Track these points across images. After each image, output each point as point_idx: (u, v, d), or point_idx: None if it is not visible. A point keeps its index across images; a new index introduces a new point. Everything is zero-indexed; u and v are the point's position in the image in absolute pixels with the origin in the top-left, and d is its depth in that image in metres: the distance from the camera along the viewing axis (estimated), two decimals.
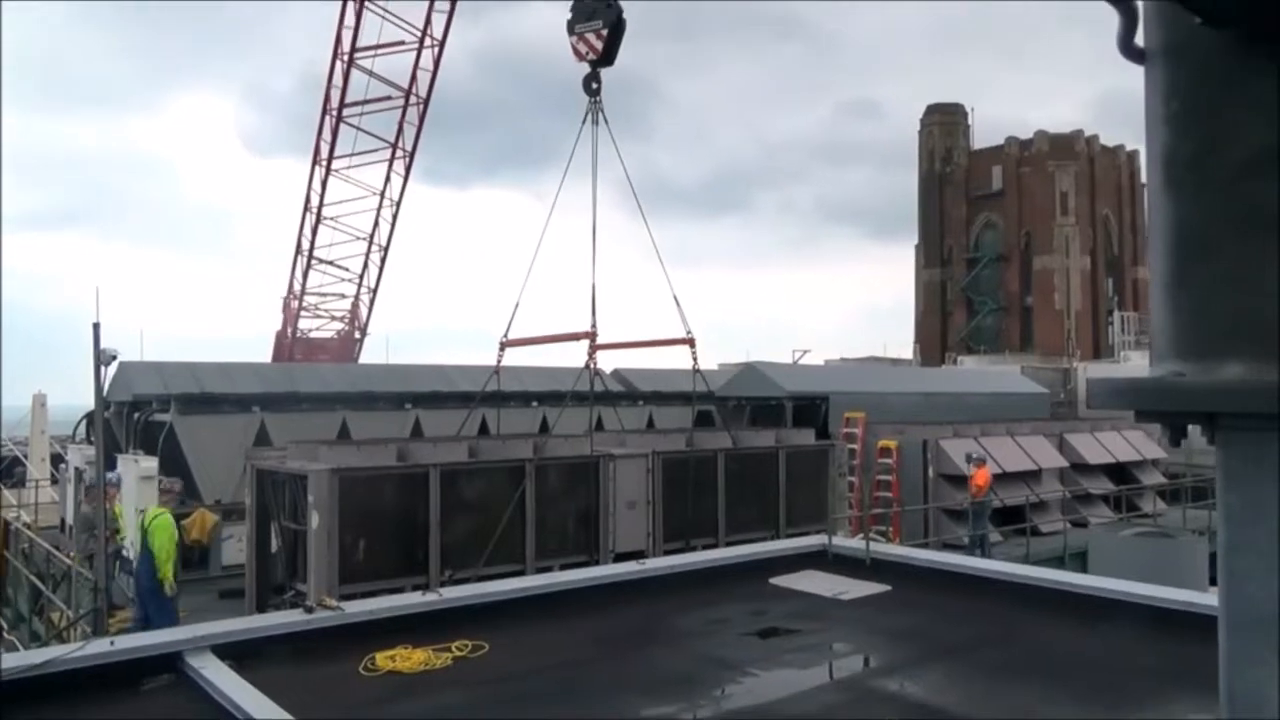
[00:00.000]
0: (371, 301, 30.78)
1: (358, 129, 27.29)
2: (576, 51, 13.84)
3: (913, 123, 71.38)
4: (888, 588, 8.78)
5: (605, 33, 13.55)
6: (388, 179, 28.28)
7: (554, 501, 12.91)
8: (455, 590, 8.42)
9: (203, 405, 18.15)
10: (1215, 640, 1.56)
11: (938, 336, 65.26)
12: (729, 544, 13.15)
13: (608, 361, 19.29)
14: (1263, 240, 1.43)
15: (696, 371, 15.41)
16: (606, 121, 14.24)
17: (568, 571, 10.51)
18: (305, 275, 29.66)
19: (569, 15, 13.82)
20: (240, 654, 6.35)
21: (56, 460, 23.38)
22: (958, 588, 8.75)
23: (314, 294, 30.35)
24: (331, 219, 28.73)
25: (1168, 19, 1.57)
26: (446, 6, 25.64)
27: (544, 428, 19.46)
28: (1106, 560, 13.55)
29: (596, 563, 12.41)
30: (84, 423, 20.66)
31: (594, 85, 14.11)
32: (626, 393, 23.74)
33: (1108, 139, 64.61)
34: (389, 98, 27.04)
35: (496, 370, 15.35)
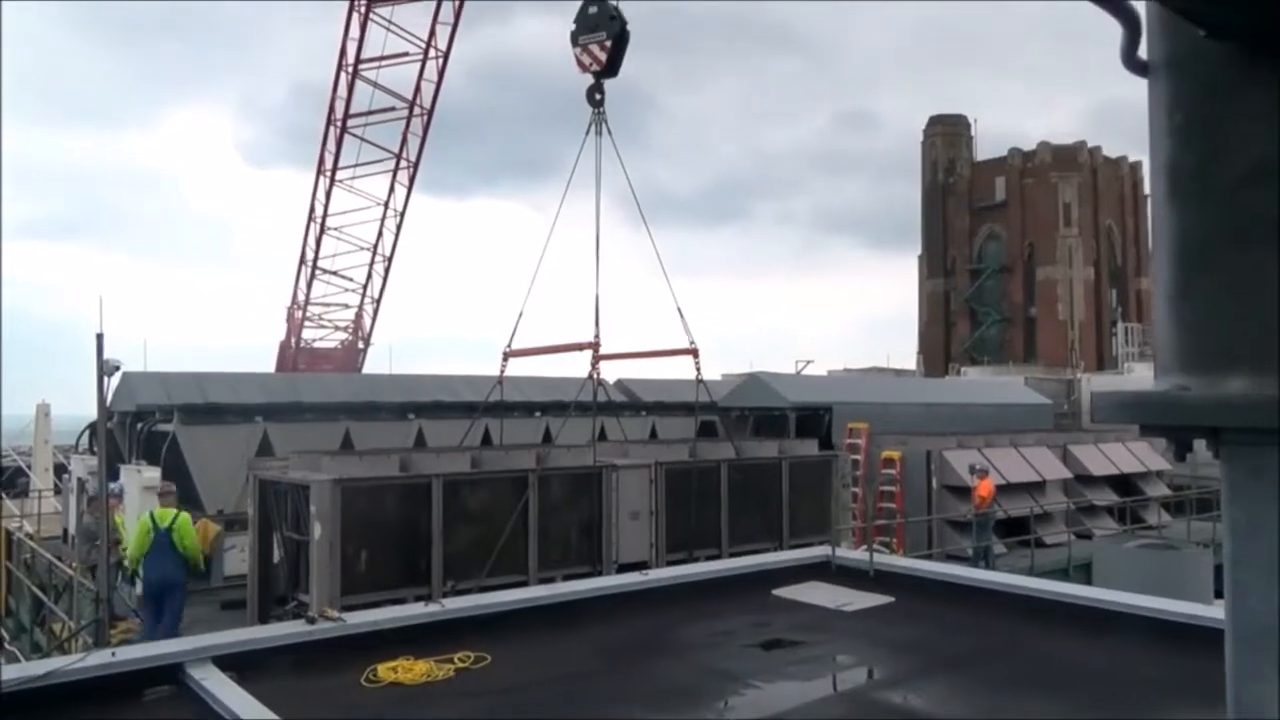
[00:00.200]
0: (375, 311, 30.86)
1: (362, 139, 27.40)
2: (580, 63, 13.90)
3: (908, 134, 71.68)
4: (891, 599, 8.74)
5: (609, 44, 13.60)
6: (391, 189, 28.39)
7: (557, 512, 12.89)
8: (458, 601, 8.40)
9: (206, 415, 18.16)
10: (1221, 653, 1.55)
11: (941, 347, 65.23)
12: (732, 555, 13.12)
13: (611, 372, 19.30)
14: (1267, 252, 1.43)
15: (700, 382, 15.41)
16: (610, 132, 14.29)
17: (571, 582, 10.49)
18: (309, 285, 29.73)
19: (573, 27, 13.88)
20: (242, 665, 6.33)
21: (59, 470, 23.39)
22: (962, 599, 8.71)
23: (318, 304, 30.42)
24: (335, 229, 28.82)
25: (1171, 31, 1.57)
26: (450, 18, 25.78)
27: (547, 438, 19.44)
28: (1111, 572, 13.51)
29: (599, 573, 12.38)
30: (87, 433, 20.67)
31: (597, 96, 14.16)
32: (629, 403, 23.73)
33: (1104, 150, 64.70)
34: (393, 109, 27.15)
35: (500, 380, 15.36)
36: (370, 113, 27.12)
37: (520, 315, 15.03)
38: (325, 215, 28.38)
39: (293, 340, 30.60)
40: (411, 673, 6.45)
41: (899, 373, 51.03)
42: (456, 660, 6.69)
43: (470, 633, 7.29)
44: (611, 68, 13.83)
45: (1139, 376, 36.31)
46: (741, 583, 9.39)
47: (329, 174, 27.75)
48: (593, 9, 13.65)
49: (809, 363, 38.07)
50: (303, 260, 29.51)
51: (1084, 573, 16.44)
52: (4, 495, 22.44)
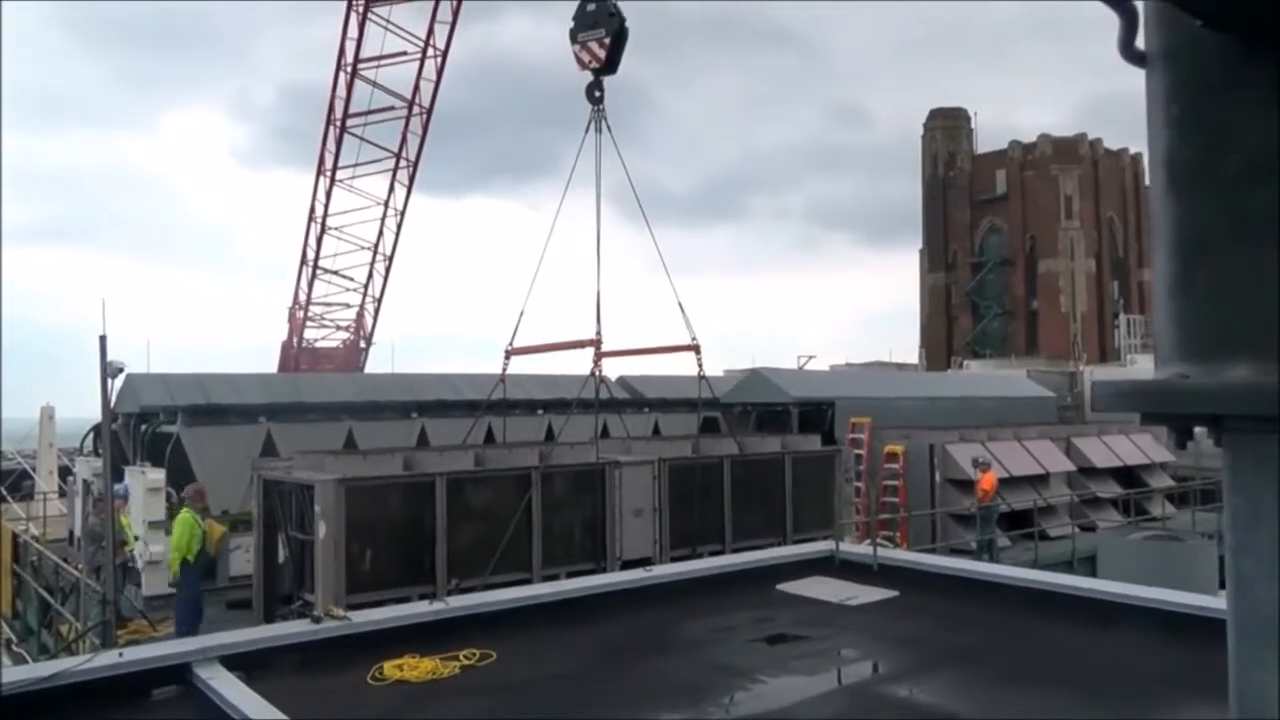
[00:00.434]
0: (376, 310, 30.89)
1: (361, 139, 27.40)
2: (579, 60, 13.89)
3: (901, 128, 71.74)
4: (895, 593, 8.75)
5: (608, 41, 13.59)
6: (391, 189, 28.40)
7: (560, 509, 12.91)
8: (462, 599, 8.41)
9: (209, 416, 18.19)
10: (1225, 644, 1.55)
11: (943, 341, 65.19)
12: (735, 550, 13.12)
13: (613, 369, 19.34)
14: (1266, 243, 1.43)
15: (702, 378, 15.41)
16: (610, 129, 14.29)
17: (575, 579, 10.50)
18: (310, 285, 29.76)
19: (571, 24, 13.87)
20: (248, 664, 6.35)
21: (64, 473, 23.44)
22: (966, 593, 8.72)
23: (319, 304, 30.45)
24: (336, 229, 28.84)
25: (1168, 22, 1.57)
26: (449, 18, 25.76)
27: (550, 436, 19.45)
28: (1115, 564, 13.53)
29: (603, 570, 12.40)
30: (91, 435, 20.71)
31: (597, 94, 14.15)
32: (632, 400, 23.73)
33: (1104, 143, 64.58)
34: (392, 108, 27.15)
35: (502, 378, 15.37)
36: (369, 112, 27.13)
37: (522, 313, 15.06)
38: (326, 215, 28.41)
39: (295, 340, 30.64)
40: (417, 670, 6.47)
41: (901, 367, 51.01)
42: (462, 658, 6.71)
43: (475, 630, 7.31)
44: (611, 65, 13.82)
45: (1142, 368, 36.26)
46: (745, 578, 9.40)
47: (329, 174, 27.76)
48: (591, 6, 13.64)
49: (811, 358, 38.12)
50: (304, 260, 29.56)
51: (1088, 565, 16.44)
52: (10, 498, 22.48)
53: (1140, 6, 1.61)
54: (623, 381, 24.38)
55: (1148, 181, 1.71)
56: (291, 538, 11.81)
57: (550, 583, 10.68)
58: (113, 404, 11.20)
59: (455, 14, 25.71)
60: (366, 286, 30.16)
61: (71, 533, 18.86)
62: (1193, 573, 12.35)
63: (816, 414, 23.01)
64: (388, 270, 29.96)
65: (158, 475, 15.79)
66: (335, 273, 29.81)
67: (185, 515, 11.46)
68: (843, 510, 16.40)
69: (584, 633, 7.78)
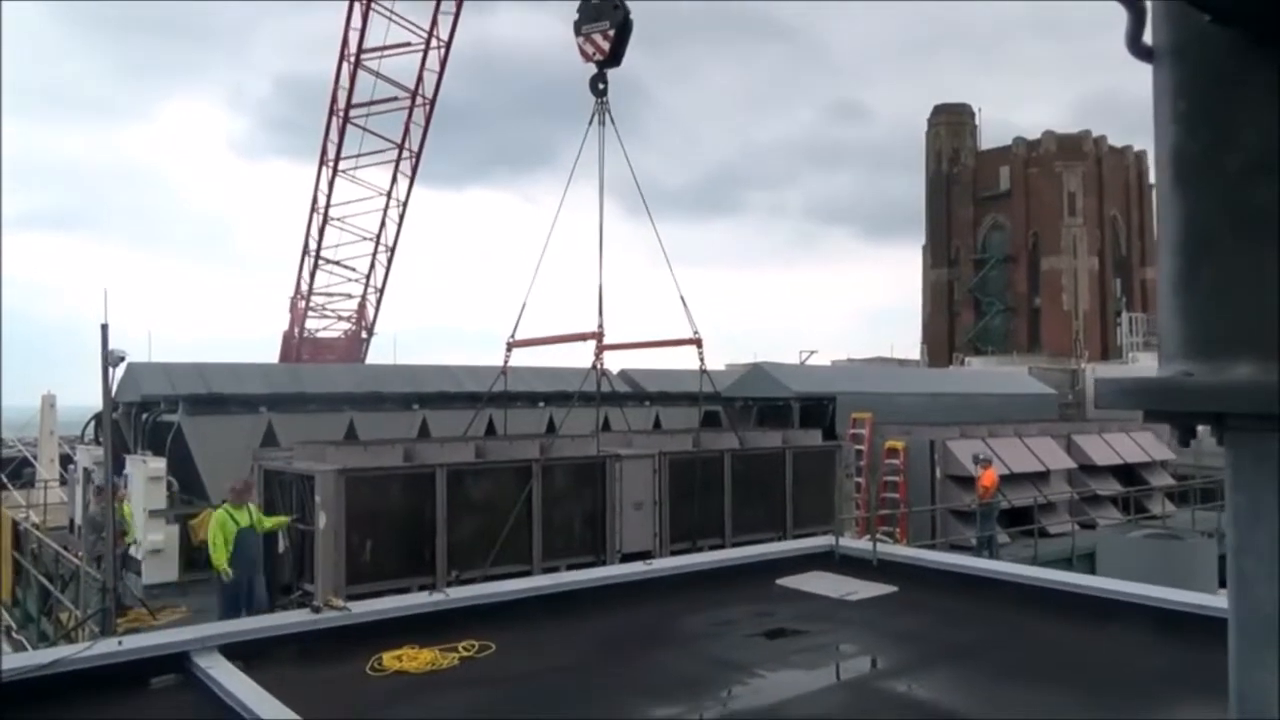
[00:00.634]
0: (378, 301, 30.87)
1: (364, 130, 27.36)
2: (583, 52, 13.85)
3: (899, 124, 71.65)
4: (895, 589, 8.75)
5: (612, 33, 13.55)
6: (394, 179, 28.36)
7: (561, 502, 12.92)
8: (462, 590, 8.43)
9: (210, 406, 18.20)
10: (1225, 642, 1.55)
11: (945, 337, 65.13)
12: (735, 545, 13.14)
13: (614, 362, 19.31)
14: (1271, 239, 1.42)
15: (703, 372, 15.40)
16: (614, 122, 14.26)
17: (574, 572, 10.51)
18: (312, 275, 29.74)
19: (576, 16, 13.83)
20: (248, 654, 6.36)
21: (65, 461, 23.47)
22: (965, 589, 8.72)
23: (321, 294, 30.42)
24: (338, 219, 28.80)
25: (1176, 17, 1.56)
26: (452, 8, 25.70)
27: (550, 428, 19.46)
28: (1115, 562, 13.53)
29: (603, 563, 12.41)
30: (92, 423, 20.73)
31: (600, 86, 14.12)
32: (633, 393, 23.72)
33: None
34: (395, 99, 27.10)
35: (504, 371, 15.37)
36: (372, 103, 27.08)
37: (524, 306, 15.05)
38: (328, 205, 28.37)
39: (296, 330, 30.64)
40: (416, 661, 6.48)
41: (903, 363, 50.98)
42: (461, 649, 6.72)
43: (474, 622, 7.32)
44: (614, 57, 13.78)
45: (1144, 366, 36.24)
46: (745, 572, 9.40)
47: (332, 164, 27.72)
48: None
49: (812, 353, 38.08)
50: (306, 250, 29.52)
51: (1088, 562, 16.44)
52: (10, 486, 22.52)
53: (1148, 1, 1.60)
54: (624, 375, 24.37)
55: (1152, 179, 1.70)
56: (292, 528, 11.83)
57: (550, 575, 10.69)
58: (114, 393, 11.20)
59: (459, 4, 25.65)
60: (368, 277, 30.16)
61: (72, 520, 18.90)
62: (1192, 571, 12.35)
63: (818, 409, 23.00)
64: (390, 261, 29.97)
65: (159, 464, 15.82)
66: (337, 263, 29.79)
67: (217, 513, 11.30)
68: (843, 505, 16.41)
69: (583, 625, 7.79)
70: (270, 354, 30.91)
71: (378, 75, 26.64)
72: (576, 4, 13.75)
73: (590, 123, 14.24)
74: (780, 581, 9.11)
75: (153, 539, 14.83)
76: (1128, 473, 22.66)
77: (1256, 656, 1.45)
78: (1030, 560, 15.46)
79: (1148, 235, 64.10)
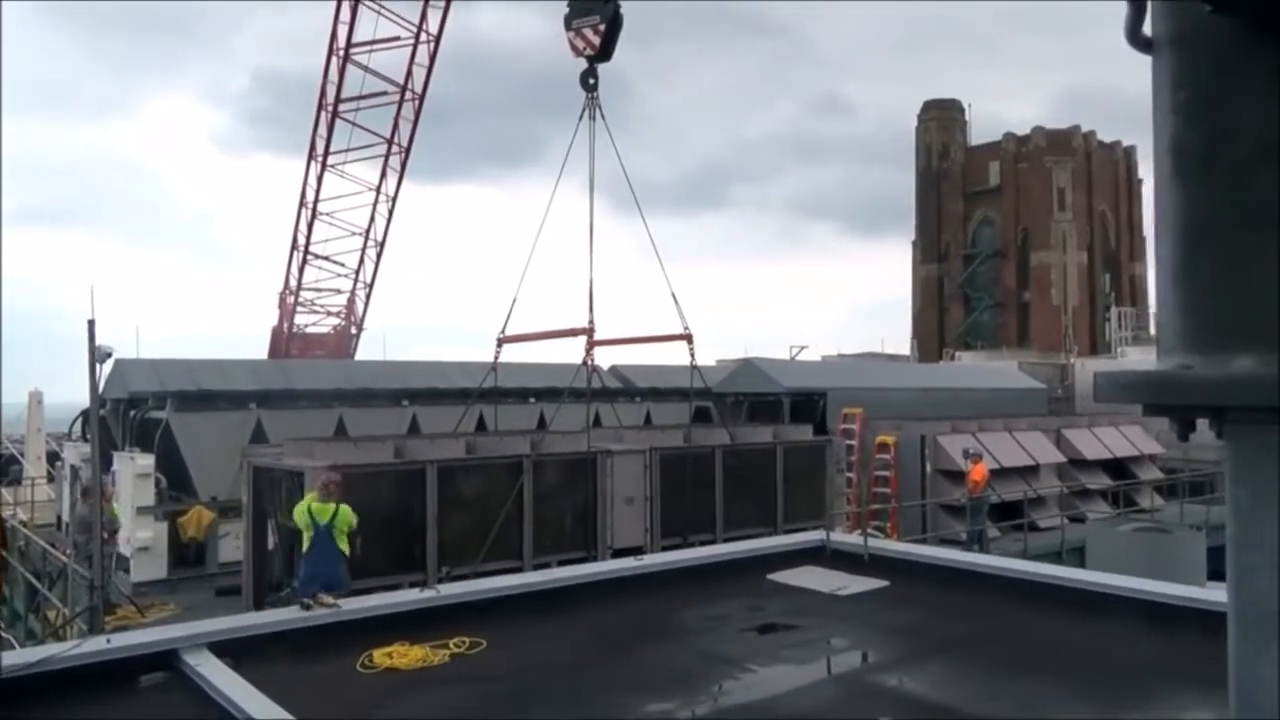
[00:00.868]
0: (368, 297, 30.75)
1: (353, 124, 27.22)
2: (574, 47, 13.79)
3: (884, 120, 71.71)
4: (886, 583, 8.77)
5: (603, 28, 13.50)
6: (383, 174, 28.22)
7: (552, 498, 12.89)
8: (453, 587, 8.41)
9: (199, 402, 18.09)
10: (1212, 635, 1.54)
11: (935, 332, 65.28)
12: (727, 540, 13.14)
13: (605, 358, 19.27)
14: (1271, 232, 1.41)
15: (694, 368, 15.39)
16: (604, 117, 14.21)
17: (565, 568, 10.50)
18: (301, 270, 29.59)
19: (566, 10, 13.77)
20: (237, 651, 6.33)
21: (53, 458, 23.33)
22: (956, 583, 8.74)
23: (310, 289, 30.28)
24: (327, 214, 28.65)
25: (1176, 7, 1.54)
26: (441, 3, 25.57)
27: (541, 424, 19.42)
28: (1104, 555, 13.56)
29: (594, 559, 12.39)
30: (80, 420, 20.60)
31: (591, 81, 14.06)
32: (624, 389, 23.71)
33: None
34: (384, 93, 26.96)
35: (494, 367, 15.32)
36: (361, 97, 26.93)
37: (514, 301, 15.00)
38: (317, 200, 28.21)
39: (286, 325, 30.49)
40: (407, 658, 6.46)
41: (893, 358, 51.09)
42: (452, 646, 6.70)
43: (465, 618, 7.30)
44: (605, 52, 13.73)
45: (1132, 360, 36.37)
46: (736, 567, 9.41)
47: (320, 159, 27.57)
48: None
49: (803, 348, 38.08)
50: (294, 245, 29.37)
51: (1077, 556, 16.50)
52: None
53: None
54: (615, 371, 24.34)
55: (1141, 174, 1.68)
56: (281, 525, 11.76)
57: (541, 571, 10.67)
58: (101, 389, 11.12)
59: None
60: (358, 272, 30.03)
61: (59, 518, 18.77)
62: (1180, 564, 12.39)
63: (808, 404, 23.03)
64: (379, 256, 29.85)
65: (147, 461, 15.73)
66: (326, 258, 29.65)
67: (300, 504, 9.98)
68: (834, 500, 16.43)
69: (575, 621, 7.78)
70: (258, 350, 30.79)
71: (367, 70, 26.51)
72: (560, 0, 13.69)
73: (581, 118, 14.19)
74: (771, 576, 9.12)
75: (141, 536, 14.74)
76: (1117, 467, 22.76)
77: (1257, 650, 1.44)
78: (1020, 554, 15.52)
79: (1137, 230, 64.37)
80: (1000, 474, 19.14)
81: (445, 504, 11.86)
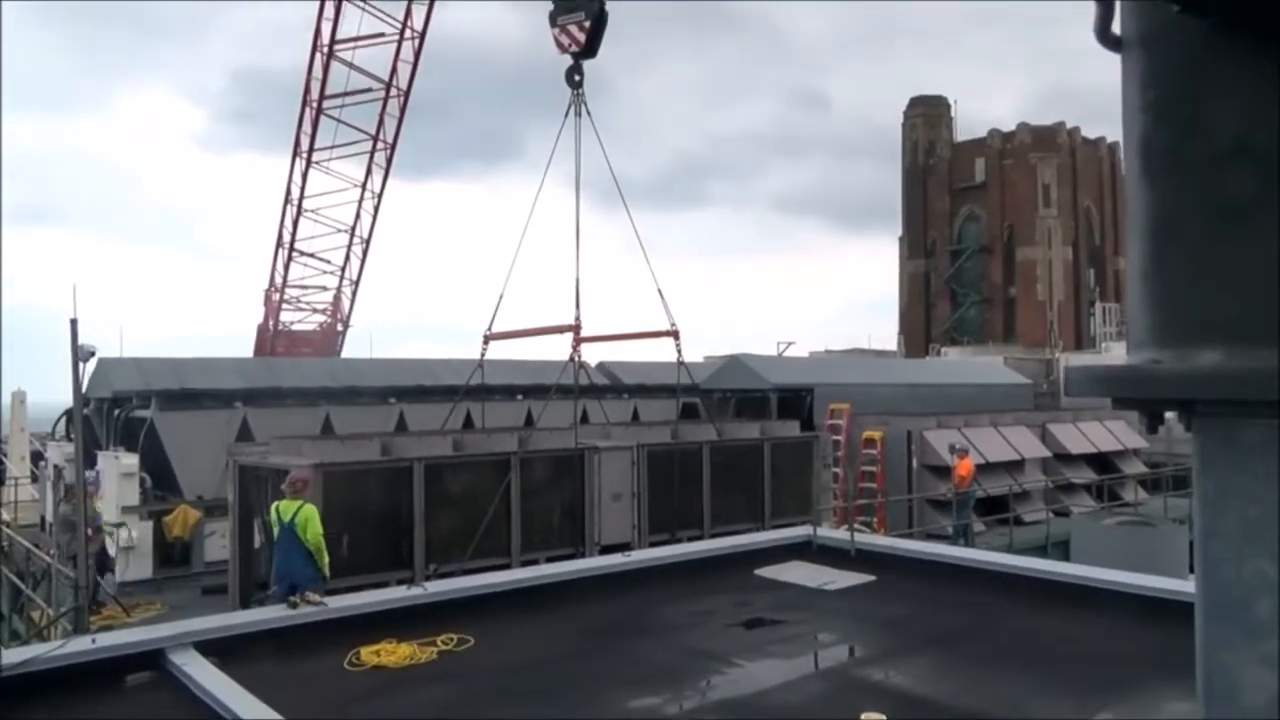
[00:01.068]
0: (354, 294, 30.65)
1: (338, 121, 27.11)
2: (559, 44, 13.78)
3: (860, 115, 71.92)
4: (872, 578, 8.82)
5: (588, 25, 13.49)
6: (369, 171, 28.12)
7: (539, 494, 12.90)
8: (440, 584, 8.41)
9: (184, 401, 18.01)
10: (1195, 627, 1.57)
11: (922, 328, 65.57)
12: (714, 536, 13.17)
13: (592, 354, 19.28)
14: (1238, 228, 1.44)
15: (681, 364, 15.41)
16: (590, 114, 14.21)
17: (553, 564, 10.51)
18: (286, 268, 29.47)
19: (551, 7, 13.75)
20: (223, 650, 6.32)
21: (36, 458, 23.16)
22: (942, 577, 8.80)
23: (295, 286, 30.17)
24: (312, 211, 28.55)
25: (1144, 7, 1.56)
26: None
27: (529, 421, 19.42)
28: (1089, 549, 13.67)
29: (582, 555, 12.41)
30: (64, 420, 20.46)
31: (576, 78, 14.06)
32: (611, 386, 23.72)
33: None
34: (369, 90, 26.87)
35: (480, 364, 15.31)
36: (346, 94, 26.83)
37: (500, 298, 14.98)
38: (302, 197, 28.10)
39: (271, 323, 30.37)
40: (394, 655, 6.46)
41: (880, 354, 51.28)
42: (439, 643, 6.70)
43: (453, 615, 7.30)
44: (590, 49, 13.73)
45: (1116, 355, 36.59)
46: (724, 563, 9.44)
47: (305, 156, 27.45)
48: None
49: (790, 344, 38.19)
50: (280, 243, 29.23)
51: (1062, 550, 16.62)
52: None
53: None
54: (602, 367, 24.35)
55: (1124, 170, 1.71)
56: (267, 523, 11.73)
57: (529, 568, 10.68)
58: (85, 388, 11.05)
59: None
60: (343, 269, 29.92)
61: (43, 518, 18.64)
62: (1164, 557, 12.51)
63: (795, 400, 23.09)
64: (365, 253, 29.75)
65: (131, 460, 15.65)
66: (312, 255, 29.54)
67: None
68: (821, 496, 16.49)
69: (562, 617, 7.79)
70: (243, 349, 30.64)
71: (351, 66, 26.41)
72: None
73: (566, 114, 14.19)
74: (759, 572, 9.15)
75: (126, 535, 14.67)
76: (1102, 461, 22.93)
77: (1223, 638, 1.47)
78: (1005, 548, 15.62)
79: (1121, 226, 64.70)
80: (986, 469, 19.26)
81: (433, 501, 11.85)
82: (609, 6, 13.55)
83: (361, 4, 25.38)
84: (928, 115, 68.82)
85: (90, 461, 14.81)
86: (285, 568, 8.06)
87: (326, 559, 8.46)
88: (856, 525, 12.36)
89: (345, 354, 30.55)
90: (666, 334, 14.85)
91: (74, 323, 9.65)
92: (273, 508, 8.58)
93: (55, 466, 17.53)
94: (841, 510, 17.76)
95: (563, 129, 14.19)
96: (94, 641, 6.31)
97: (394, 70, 26.44)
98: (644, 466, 13.78)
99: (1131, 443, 23.55)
